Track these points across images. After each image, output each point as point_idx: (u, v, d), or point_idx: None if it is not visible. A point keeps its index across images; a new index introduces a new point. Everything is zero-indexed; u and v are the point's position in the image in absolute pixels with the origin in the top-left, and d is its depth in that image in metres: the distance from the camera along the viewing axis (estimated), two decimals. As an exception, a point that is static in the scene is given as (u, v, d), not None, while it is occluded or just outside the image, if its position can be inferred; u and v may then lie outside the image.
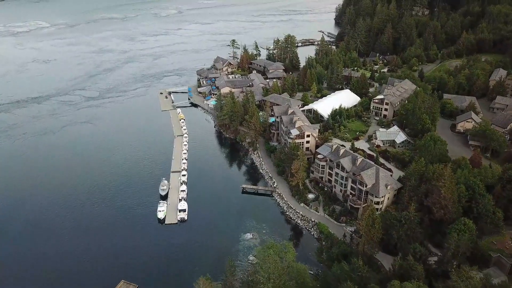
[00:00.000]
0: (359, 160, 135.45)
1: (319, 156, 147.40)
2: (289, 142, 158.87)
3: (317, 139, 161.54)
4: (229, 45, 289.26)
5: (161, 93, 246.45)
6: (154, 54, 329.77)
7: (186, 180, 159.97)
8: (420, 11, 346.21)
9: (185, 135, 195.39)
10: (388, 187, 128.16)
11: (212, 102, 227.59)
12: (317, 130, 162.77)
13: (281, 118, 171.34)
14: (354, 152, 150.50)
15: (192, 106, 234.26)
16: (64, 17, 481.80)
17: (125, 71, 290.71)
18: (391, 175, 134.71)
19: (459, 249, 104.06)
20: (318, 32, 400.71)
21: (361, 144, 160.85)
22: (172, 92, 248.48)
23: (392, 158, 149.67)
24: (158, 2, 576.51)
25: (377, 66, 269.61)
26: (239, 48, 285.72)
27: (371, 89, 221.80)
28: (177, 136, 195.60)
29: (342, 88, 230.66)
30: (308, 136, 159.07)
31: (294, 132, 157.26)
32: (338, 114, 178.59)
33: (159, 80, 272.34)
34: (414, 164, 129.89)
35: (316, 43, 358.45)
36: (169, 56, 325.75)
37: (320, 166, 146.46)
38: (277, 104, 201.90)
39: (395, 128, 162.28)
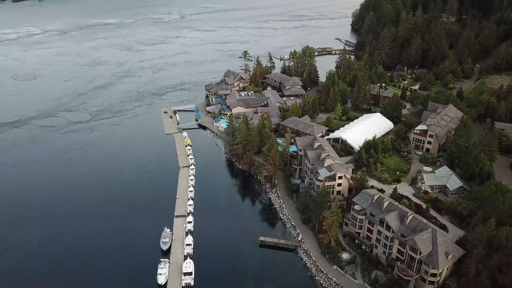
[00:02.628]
0: (409, 217, 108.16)
1: (356, 207, 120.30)
2: (317, 185, 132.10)
3: (350, 181, 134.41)
4: (240, 57, 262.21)
5: (165, 112, 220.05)
6: (154, 67, 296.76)
7: (192, 229, 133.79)
8: (449, 18, 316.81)
9: (192, 166, 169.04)
10: (449, 257, 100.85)
11: (222, 124, 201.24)
12: (350, 170, 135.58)
13: (305, 152, 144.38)
14: (396, 199, 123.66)
15: (199, 128, 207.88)
16: (57, 22, 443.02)
17: (122, 87, 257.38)
18: (449, 239, 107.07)
19: None
20: (335, 39, 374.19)
21: (404, 188, 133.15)
22: (178, 110, 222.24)
23: (446, 210, 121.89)
24: (156, 6, 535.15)
25: (405, 82, 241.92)
26: (251, 60, 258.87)
27: (403, 111, 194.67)
28: (183, 167, 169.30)
29: (369, 109, 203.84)
30: (340, 177, 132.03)
31: (323, 173, 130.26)
32: (372, 146, 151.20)
33: (161, 96, 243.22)
34: (480, 227, 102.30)
35: (333, 52, 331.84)
36: (170, 68, 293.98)
37: (358, 220, 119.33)
38: (297, 130, 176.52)
39: (445, 170, 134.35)
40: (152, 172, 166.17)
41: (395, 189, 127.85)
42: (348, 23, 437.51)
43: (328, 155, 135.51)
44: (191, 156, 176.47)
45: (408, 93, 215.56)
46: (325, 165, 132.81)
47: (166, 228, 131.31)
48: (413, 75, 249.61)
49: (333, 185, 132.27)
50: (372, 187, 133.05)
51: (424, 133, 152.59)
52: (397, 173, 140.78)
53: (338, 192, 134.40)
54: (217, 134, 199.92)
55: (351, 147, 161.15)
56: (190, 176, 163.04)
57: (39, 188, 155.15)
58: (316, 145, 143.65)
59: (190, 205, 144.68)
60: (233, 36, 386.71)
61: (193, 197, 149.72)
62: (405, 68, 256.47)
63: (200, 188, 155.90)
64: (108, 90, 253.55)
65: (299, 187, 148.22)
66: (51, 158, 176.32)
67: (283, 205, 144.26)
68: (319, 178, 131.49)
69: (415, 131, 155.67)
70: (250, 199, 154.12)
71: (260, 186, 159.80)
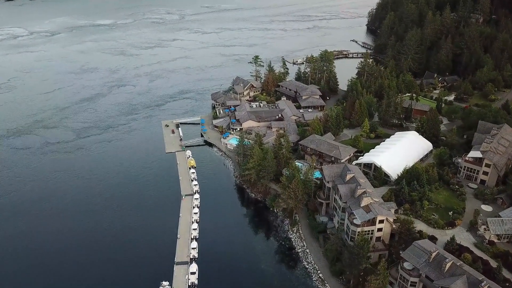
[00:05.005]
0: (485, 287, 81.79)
1: (406, 265, 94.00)
2: (351, 230, 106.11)
3: (393, 225, 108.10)
4: (250, 62, 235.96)
5: (166, 126, 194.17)
6: (151, 74, 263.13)
7: (196, 282, 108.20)
8: (478, 19, 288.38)
9: (196, 195, 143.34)
10: None
11: (231, 141, 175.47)
12: (393, 211, 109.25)
13: (336, 186, 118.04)
14: (454, 252, 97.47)
15: (205, 145, 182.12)
16: (45, 23, 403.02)
17: (114, 99, 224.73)
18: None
19: None
20: (351, 41, 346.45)
21: (461, 235, 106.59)
22: (181, 123, 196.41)
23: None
24: (154, 6, 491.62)
25: (436, 91, 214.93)
26: (263, 65, 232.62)
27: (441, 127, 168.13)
28: (185, 196, 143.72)
29: (400, 125, 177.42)
30: (381, 221, 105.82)
31: (361, 215, 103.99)
32: (414, 176, 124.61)
33: (160, 108, 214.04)
34: None
35: (350, 55, 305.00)
36: (170, 75, 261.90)
37: (409, 283, 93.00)
38: (320, 152, 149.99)
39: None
40: (149, 203, 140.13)
41: (453, 238, 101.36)
42: (363, 24, 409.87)
43: (365, 191, 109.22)
44: (195, 182, 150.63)
45: (443, 105, 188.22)
46: (362, 205, 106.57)
47: (163, 282, 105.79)
48: (445, 83, 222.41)
49: (372, 230, 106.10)
50: (420, 233, 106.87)
51: (478, 161, 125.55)
52: (450, 213, 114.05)
53: (378, 239, 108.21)
54: (225, 153, 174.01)
55: (386, 175, 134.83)
56: (193, 208, 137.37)
57: (9, 224, 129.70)
58: (348, 176, 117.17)
59: (193, 248, 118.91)
60: (238, 39, 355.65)
61: (197, 237, 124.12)
62: (435, 75, 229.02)
63: (205, 224, 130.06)
64: (97, 103, 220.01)
65: (326, 227, 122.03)
66: (26, 187, 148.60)
67: (307, 250, 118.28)
68: (354, 221, 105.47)
69: (466, 158, 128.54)
70: (266, 239, 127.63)
71: (277, 221, 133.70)
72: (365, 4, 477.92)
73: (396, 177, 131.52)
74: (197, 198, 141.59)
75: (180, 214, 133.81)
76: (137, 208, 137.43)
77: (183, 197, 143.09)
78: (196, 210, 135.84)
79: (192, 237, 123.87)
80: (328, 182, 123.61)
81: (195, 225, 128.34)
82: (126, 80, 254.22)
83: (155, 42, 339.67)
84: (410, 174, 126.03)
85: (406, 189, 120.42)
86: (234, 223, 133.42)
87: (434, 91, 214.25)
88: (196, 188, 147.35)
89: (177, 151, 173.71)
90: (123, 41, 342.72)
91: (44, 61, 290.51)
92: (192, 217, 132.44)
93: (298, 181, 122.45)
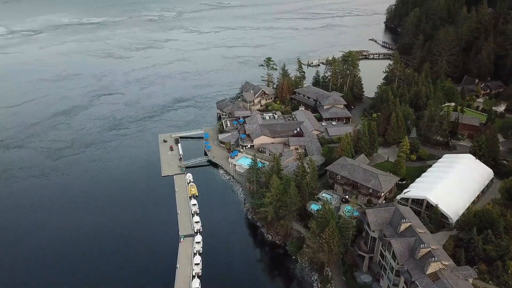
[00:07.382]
0: None
1: None
2: (415, 308, 75.60)
3: (473, 301, 77.53)
4: (261, 65, 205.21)
5: (164, 141, 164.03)
6: (143, 80, 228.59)
7: None
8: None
9: (198, 237, 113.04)
10: None
11: (241, 161, 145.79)
12: (471, 281, 78.50)
13: (387, 241, 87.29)
14: None
15: (209, 165, 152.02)
16: (28, 21, 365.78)
17: (98, 111, 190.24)
18: None
19: None
20: (369, 41, 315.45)
21: None
22: (181, 137, 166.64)
23: None
24: (151, 3, 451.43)
25: (480, 100, 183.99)
26: (276, 69, 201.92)
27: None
28: (184, 238, 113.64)
29: (446, 143, 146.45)
30: (457, 298, 75.27)
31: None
32: (488, 223, 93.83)
33: (155, 119, 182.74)
34: None
35: (370, 56, 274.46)
36: (164, 81, 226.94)
37: None
38: (354, 182, 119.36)
39: None
40: (139, 249, 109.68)
41: None
42: (381, 21, 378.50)
43: (430, 250, 78.68)
44: (196, 218, 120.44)
45: (491, 117, 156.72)
46: (427, 272, 76.16)
47: None
48: (488, 90, 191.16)
49: (444, 309, 75.63)
50: (511, 312, 76.30)
51: None
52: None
53: (451, 319, 77.74)
54: (233, 177, 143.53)
55: (443, 216, 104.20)
56: (194, 254, 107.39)
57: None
58: (403, 226, 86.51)
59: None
60: (242, 39, 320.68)
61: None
62: (476, 80, 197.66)
63: (209, 280, 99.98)
64: (76, 117, 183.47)
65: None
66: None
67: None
68: (419, 297, 75.02)
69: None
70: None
71: (302, 275, 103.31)
72: (374, 1, 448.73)
73: (457, 219, 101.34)
74: (198, 242, 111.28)
75: (178, 265, 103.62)
76: (122, 256, 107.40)
77: (182, 239, 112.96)
78: (198, 259, 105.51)
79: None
80: (373, 231, 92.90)
81: (196, 283, 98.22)
82: (114, 88, 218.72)
83: (148, 43, 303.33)
84: (479, 218, 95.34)
85: (480, 244, 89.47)
86: (246, 278, 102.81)
87: (478, 100, 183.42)
88: (198, 226, 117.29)
89: (176, 174, 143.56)
90: (112, 42, 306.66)
91: (17, 65, 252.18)
92: (193, 270, 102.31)
93: (333, 230, 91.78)
